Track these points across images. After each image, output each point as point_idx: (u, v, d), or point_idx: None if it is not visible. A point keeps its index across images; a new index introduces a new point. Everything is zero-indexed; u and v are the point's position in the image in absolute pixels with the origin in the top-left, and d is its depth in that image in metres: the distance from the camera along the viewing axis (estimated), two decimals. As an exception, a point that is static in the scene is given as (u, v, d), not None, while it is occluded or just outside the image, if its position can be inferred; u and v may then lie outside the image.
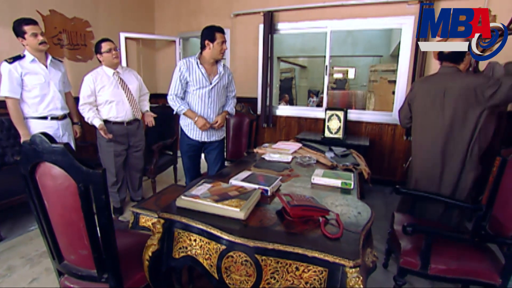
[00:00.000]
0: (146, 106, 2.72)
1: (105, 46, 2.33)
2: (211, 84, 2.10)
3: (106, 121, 2.41)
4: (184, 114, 2.13)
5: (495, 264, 1.31)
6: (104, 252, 1.00)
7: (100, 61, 2.40)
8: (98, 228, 0.97)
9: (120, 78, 2.44)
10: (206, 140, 2.22)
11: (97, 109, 2.39)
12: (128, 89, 2.47)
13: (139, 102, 2.60)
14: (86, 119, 2.34)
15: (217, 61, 2.13)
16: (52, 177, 0.94)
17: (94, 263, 1.02)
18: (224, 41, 2.04)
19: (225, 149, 2.53)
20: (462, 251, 1.38)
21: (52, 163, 0.91)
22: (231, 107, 2.29)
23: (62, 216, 1.00)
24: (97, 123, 2.31)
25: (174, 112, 2.17)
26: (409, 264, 1.37)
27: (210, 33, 2.00)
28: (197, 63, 2.06)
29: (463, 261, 1.33)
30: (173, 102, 2.11)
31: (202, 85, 2.08)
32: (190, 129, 2.20)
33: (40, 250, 2.04)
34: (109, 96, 2.37)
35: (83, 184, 0.90)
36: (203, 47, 2.05)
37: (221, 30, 2.03)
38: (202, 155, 2.37)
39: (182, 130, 2.25)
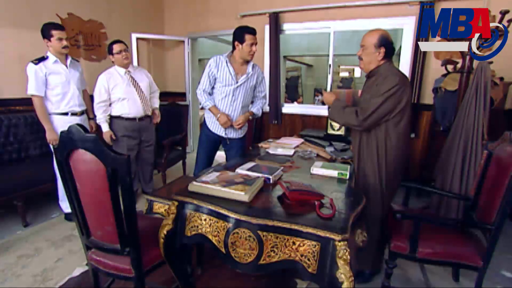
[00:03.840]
0: (156, 103, 2.89)
1: (116, 48, 2.52)
2: (237, 83, 2.14)
3: (119, 117, 2.60)
4: (209, 109, 2.21)
5: (478, 248, 1.42)
6: (127, 228, 1.16)
7: (112, 61, 2.59)
8: (122, 207, 1.13)
9: (132, 77, 2.62)
10: (223, 135, 2.27)
11: (110, 105, 2.58)
12: (139, 87, 2.65)
13: (149, 99, 2.78)
14: (97, 119, 2.55)
15: (247, 62, 2.16)
16: (84, 162, 1.10)
17: (118, 238, 1.18)
18: (254, 43, 2.04)
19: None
20: (449, 237, 1.49)
21: (85, 150, 1.07)
22: (257, 108, 2.30)
23: (92, 196, 1.16)
24: (105, 128, 2.54)
25: (200, 106, 2.26)
26: (399, 248, 1.49)
27: (240, 34, 2.04)
28: (226, 61, 2.12)
29: (449, 245, 1.45)
30: (201, 97, 2.20)
31: (228, 83, 2.13)
32: (212, 121, 2.27)
33: (62, 234, 2.23)
34: (122, 94, 2.55)
35: (111, 168, 1.05)
36: (233, 47, 2.11)
37: (251, 32, 2.04)
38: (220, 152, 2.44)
39: (204, 121, 2.33)
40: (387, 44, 1.58)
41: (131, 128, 2.65)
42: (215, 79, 2.17)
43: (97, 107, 2.53)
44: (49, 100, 2.31)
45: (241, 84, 2.16)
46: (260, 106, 2.32)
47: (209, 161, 2.40)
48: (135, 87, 2.61)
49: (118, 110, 2.58)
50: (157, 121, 2.89)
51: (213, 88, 2.22)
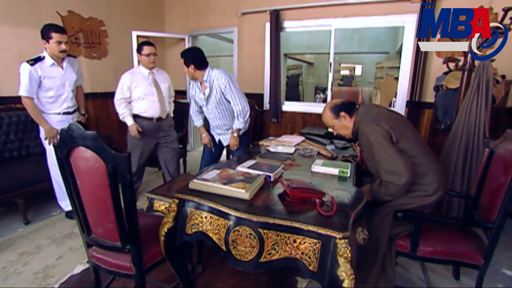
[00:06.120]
0: (170, 107, 2.88)
1: (146, 50, 2.51)
2: (204, 95, 2.27)
3: (137, 116, 2.61)
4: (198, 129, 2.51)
5: (479, 246, 1.41)
6: (127, 225, 1.16)
7: (138, 60, 2.61)
8: (122, 204, 1.13)
9: (154, 79, 2.63)
10: (216, 137, 2.46)
11: (129, 103, 2.60)
12: (160, 88, 2.66)
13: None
14: (120, 115, 2.56)
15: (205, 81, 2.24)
16: (85, 159, 1.10)
17: (119, 235, 1.18)
18: (184, 68, 2.20)
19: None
20: (450, 235, 1.49)
21: (85, 147, 1.07)
22: (236, 124, 2.31)
23: (92, 194, 1.16)
24: (130, 122, 2.55)
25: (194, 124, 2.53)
26: (400, 246, 1.49)
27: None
28: (197, 85, 2.30)
29: (450, 244, 1.44)
30: (193, 117, 2.53)
31: (202, 102, 2.32)
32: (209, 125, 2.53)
33: (63, 232, 2.23)
34: (143, 93, 2.56)
35: (112, 165, 1.05)
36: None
37: (182, 55, 2.20)
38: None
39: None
40: (342, 107, 1.65)
41: (148, 128, 2.65)
42: (195, 101, 2.42)
43: (118, 103, 2.53)
44: (40, 101, 2.24)
45: (207, 97, 2.27)
46: (240, 121, 2.29)
47: (212, 160, 2.53)
48: (156, 88, 2.61)
49: (137, 108, 2.59)
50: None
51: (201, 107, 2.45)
